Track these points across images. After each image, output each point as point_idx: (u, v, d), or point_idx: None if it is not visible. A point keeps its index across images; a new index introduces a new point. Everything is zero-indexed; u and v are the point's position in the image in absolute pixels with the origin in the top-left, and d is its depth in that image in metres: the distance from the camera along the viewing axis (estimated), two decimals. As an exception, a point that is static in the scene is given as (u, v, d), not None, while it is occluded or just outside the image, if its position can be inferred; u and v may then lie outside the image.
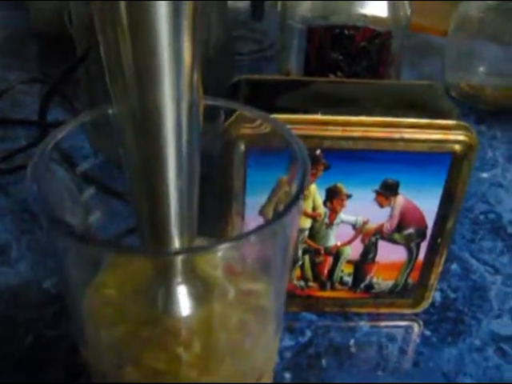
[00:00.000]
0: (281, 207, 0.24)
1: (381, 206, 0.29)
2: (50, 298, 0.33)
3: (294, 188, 0.21)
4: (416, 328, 0.33)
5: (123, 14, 0.16)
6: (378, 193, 0.28)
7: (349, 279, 0.32)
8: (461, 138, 0.27)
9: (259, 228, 0.18)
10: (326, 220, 0.29)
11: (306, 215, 0.29)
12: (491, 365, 0.30)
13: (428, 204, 0.29)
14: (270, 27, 0.62)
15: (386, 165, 0.27)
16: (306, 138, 0.25)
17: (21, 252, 0.36)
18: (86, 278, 0.23)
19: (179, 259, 0.21)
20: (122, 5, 0.16)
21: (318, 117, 0.27)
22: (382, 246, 0.30)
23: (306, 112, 0.27)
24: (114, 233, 0.25)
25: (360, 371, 0.30)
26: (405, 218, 0.29)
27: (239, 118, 0.25)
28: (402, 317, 0.33)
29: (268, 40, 0.63)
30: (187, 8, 0.16)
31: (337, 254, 0.31)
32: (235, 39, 0.59)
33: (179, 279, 0.21)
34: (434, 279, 0.32)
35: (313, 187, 0.28)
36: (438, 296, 0.34)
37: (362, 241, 0.30)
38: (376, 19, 0.37)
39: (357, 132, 0.26)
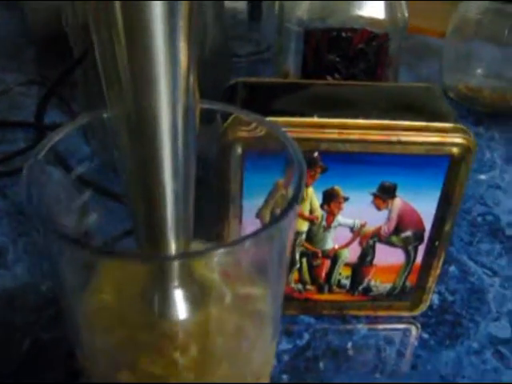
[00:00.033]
0: (277, 210, 0.24)
1: (378, 208, 0.29)
2: (47, 301, 0.32)
3: (291, 191, 0.21)
4: (414, 331, 0.32)
5: (118, 14, 0.16)
6: (375, 195, 0.28)
7: (347, 282, 0.31)
8: (458, 140, 0.27)
9: (256, 232, 0.18)
10: (324, 223, 0.29)
11: (304, 218, 0.29)
12: (489, 368, 0.30)
13: (425, 206, 0.29)
14: (268, 28, 0.62)
15: (383, 167, 0.27)
16: (302, 140, 0.25)
17: (17, 255, 0.36)
18: (81, 282, 0.22)
19: (176, 263, 0.21)
20: (117, 5, 0.15)
21: (315, 119, 0.26)
22: (380, 248, 0.30)
23: (303, 115, 0.27)
24: (111, 235, 0.25)
25: (358, 374, 0.30)
26: (402, 220, 0.29)
27: (236, 121, 0.25)
28: (399, 319, 0.33)
29: (265, 41, 0.63)
30: (183, 8, 0.16)
31: (334, 257, 0.31)
32: (232, 40, 0.58)
33: (176, 283, 0.21)
34: (431, 282, 0.31)
35: (310, 190, 0.28)
36: (435, 299, 0.34)
37: (360, 244, 0.30)
38: (373, 21, 0.37)
39: (354, 135, 0.26)
